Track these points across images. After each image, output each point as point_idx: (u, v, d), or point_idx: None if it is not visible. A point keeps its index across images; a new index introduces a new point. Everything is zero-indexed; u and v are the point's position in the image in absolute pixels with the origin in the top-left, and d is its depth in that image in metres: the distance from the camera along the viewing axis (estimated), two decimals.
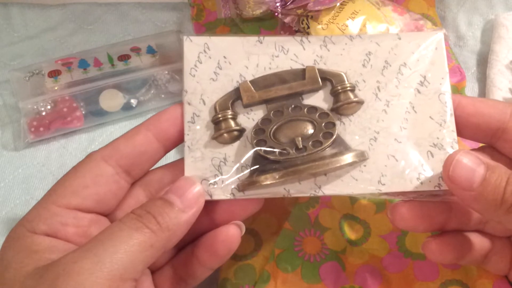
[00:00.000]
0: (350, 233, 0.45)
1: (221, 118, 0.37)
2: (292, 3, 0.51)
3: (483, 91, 0.56)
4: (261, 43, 0.39)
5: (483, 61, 0.57)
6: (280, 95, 0.38)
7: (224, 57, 0.39)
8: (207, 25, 0.60)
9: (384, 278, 0.44)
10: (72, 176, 0.36)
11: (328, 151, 0.36)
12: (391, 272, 0.44)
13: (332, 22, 0.49)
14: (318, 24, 0.49)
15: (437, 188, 0.36)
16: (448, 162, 0.34)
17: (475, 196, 0.33)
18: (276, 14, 0.52)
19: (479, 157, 0.34)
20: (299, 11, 0.51)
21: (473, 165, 0.33)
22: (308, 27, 0.50)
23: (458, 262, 0.39)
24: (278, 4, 0.52)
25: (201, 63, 0.39)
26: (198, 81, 0.38)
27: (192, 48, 0.39)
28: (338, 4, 0.50)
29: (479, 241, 0.39)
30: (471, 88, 0.56)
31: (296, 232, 0.46)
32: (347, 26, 0.49)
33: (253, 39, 0.39)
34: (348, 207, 0.46)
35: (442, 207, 0.38)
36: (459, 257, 0.39)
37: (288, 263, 0.44)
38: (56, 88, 0.55)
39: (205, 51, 0.39)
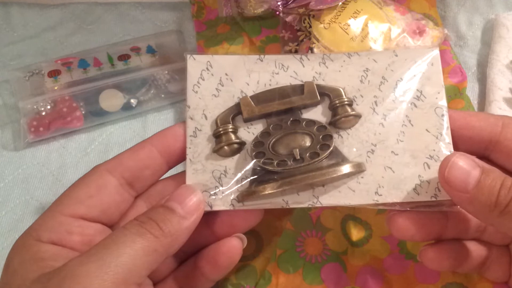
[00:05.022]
0: (352, 234, 0.45)
1: (222, 132, 0.38)
2: (294, 2, 0.51)
3: (483, 91, 0.55)
4: (261, 61, 0.40)
5: (484, 61, 0.57)
6: (279, 109, 0.39)
7: (226, 74, 0.40)
8: (208, 23, 0.60)
9: (385, 280, 0.44)
10: (77, 187, 0.37)
11: (325, 162, 0.37)
12: (392, 274, 0.44)
13: (334, 21, 0.49)
14: (320, 23, 0.49)
15: (433, 199, 0.37)
16: (444, 164, 0.34)
17: (470, 199, 0.34)
18: (277, 13, 0.52)
19: (475, 160, 0.34)
20: (300, 10, 0.51)
21: (468, 167, 0.34)
22: (310, 26, 0.50)
23: (455, 270, 0.40)
24: (279, 3, 0.52)
25: (203, 80, 0.40)
26: (200, 97, 0.40)
27: (195, 66, 0.40)
28: (340, 3, 0.50)
29: (476, 249, 0.40)
30: (472, 88, 0.56)
31: (298, 233, 0.46)
32: (349, 25, 0.49)
33: (254, 57, 0.40)
34: (350, 208, 0.46)
35: (439, 216, 0.38)
36: (456, 265, 0.39)
37: (289, 264, 0.44)
38: (56, 88, 0.55)
39: (207, 68, 0.40)
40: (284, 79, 0.40)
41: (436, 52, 0.40)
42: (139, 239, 0.32)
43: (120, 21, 0.63)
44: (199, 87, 0.40)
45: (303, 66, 0.40)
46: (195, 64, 0.40)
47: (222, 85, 0.40)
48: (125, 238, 0.32)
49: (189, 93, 0.40)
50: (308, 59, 0.40)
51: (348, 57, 0.40)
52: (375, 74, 0.40)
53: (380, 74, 0.40)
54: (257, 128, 0.39)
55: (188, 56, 0.40)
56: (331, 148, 0.37)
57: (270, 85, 0.40)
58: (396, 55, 0.40)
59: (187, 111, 0.39)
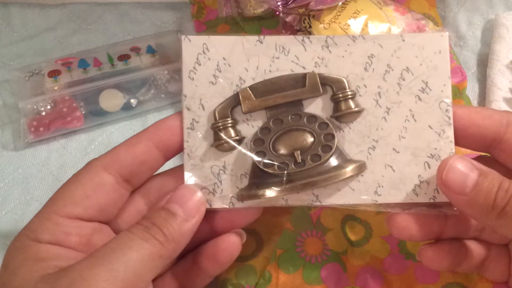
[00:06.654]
0: (352, 234, 0.45)
1: (221, 127, 0.37)
2: (294, 2, 0.51)
3: (483, 91, 0.56)
4: (261, 43, 0.38)
5: (483, 61, 0.57)
6: (280, 102, 0.38)
7: (224, 58, 0.38)
8: (208, 23, 0.60)
9: (385, 280, 0.44)
10: (73, 185, 0.36)
11: (327, 165, 0.36)
12: (392, 274, 0.44)
13: (334, 22, 0.49)
14: (320, 23, 0.49)
15: (432, 201, 0.37)
16: (442, 167, 0.34)
17: (468, 201, 0.34)
18: (277, 13, 0.52)
19: (473, 163, 0.34)
20: (300, 10, 0.51)
21: (466, 170, 0.34)
22: (310, 26, 0.50)
23: (454, 269, 0.40)
24: (279, 3, 0.52)
25: (200, 65, 0.38)
26: (197, 85, 0.38)
27: (190, 49, 0.38)
28: (340, 3, 0.50)
29: (475, 248, 0.39)
30: (471, 88, 0.56)
31: (298, 233, 0.46)
32: (349, 25, 0.49)
33: (253, 38, 0.38)
34: (350, 207, 0.45)
35: (438, 216, 0.38)
36: (456, 264, 0.39)
37: (289, 264, 0.44)
38: (56, 88, 0.55)
39: (204, 52, 0.38)
40: (285, 65, 0.38)
41: (445, 37, 0.38)
42: (146, 245, 0.32)
43: (120, 21, 0.62)
44: (195, 73, 0.38)
45: (305, 49, 0.38)
46: (190, 47, 0.38)
47: (220, 71, 0.38)
48: (132, 243, 0.32)
49: (185, 80, 0.38)
50: (311, 42, 0.38)
51: (352, 40, 0.38)
52: (380, 62, 0.38)
53: (386, 61, 0.38)
54: (257, 120, 0.38)
55: (183, 37, 0.38)
56: (333, 150, 0.36)
57: (270, 71, 0.38)
58: (403, 40, 0.38)
59: (183, 100, 0.38)
